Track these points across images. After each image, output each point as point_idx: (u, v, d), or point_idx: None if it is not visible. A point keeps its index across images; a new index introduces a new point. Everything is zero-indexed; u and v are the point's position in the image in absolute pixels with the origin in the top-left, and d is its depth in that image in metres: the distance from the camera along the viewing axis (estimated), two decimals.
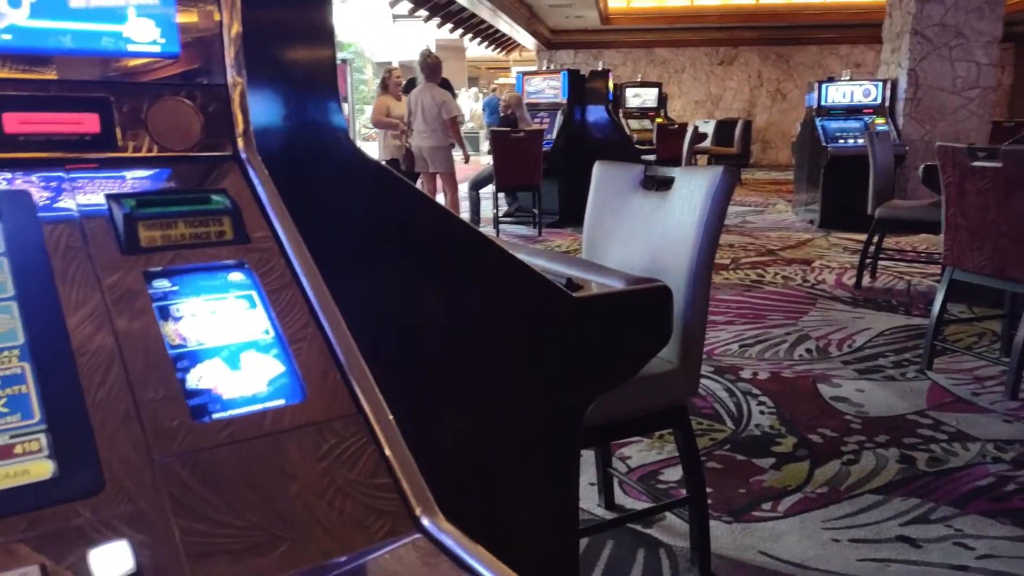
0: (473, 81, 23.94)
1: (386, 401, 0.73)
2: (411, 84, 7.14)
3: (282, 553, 0.59)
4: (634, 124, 10.85)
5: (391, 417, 0.71)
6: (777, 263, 5.94)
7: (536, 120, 8.01)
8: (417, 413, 0.77)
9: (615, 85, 9.26)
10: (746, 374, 3.40)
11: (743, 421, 2.89)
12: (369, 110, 8.18)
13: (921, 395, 3.16)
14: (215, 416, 0.65)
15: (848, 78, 7.70)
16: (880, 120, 7.36)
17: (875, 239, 5.15)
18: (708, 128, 12.54)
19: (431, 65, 6.48)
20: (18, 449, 0.57)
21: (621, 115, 9.98)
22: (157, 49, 0.81)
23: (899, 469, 2.49)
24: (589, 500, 2.27)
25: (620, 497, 2.31)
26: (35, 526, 0.54)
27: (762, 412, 2.97)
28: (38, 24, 0.75)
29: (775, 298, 4.81)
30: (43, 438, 0.59)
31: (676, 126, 10.21)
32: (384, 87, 6.87)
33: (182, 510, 0.58)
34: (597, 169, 2.03)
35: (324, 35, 1.00)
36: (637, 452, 2.60)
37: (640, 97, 11.97)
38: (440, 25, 13.39)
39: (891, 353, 3.70)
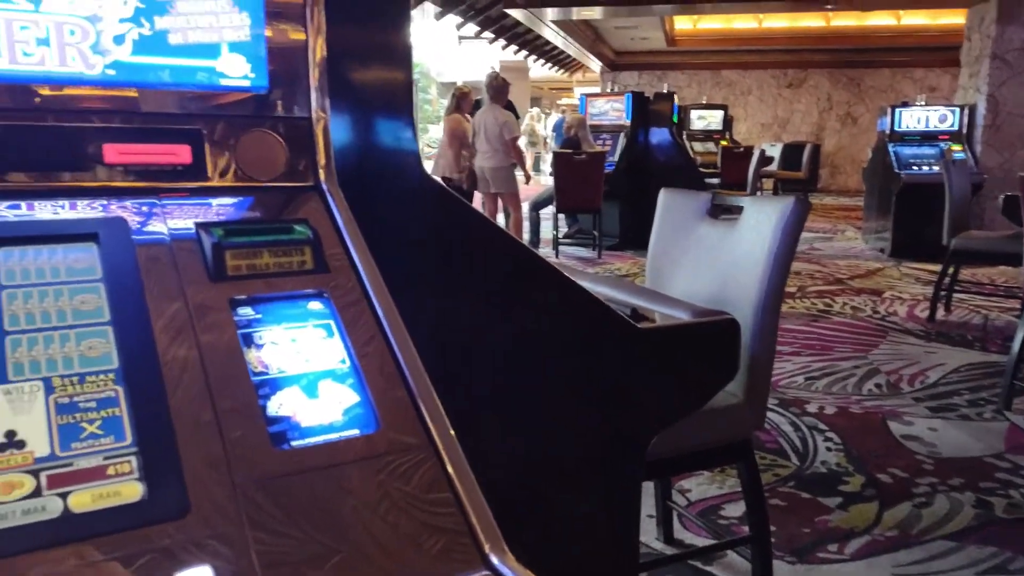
0: (536, 101, 24.11)
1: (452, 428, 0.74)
2: (477, 105, 7.23)
3: None
4: (698, 147, 10.74)
5: (461, 451, 0.72)
6: (846, 293, 5.78)
7: (599, 142, 8.00)
8: (478, 439, 0.77)
9: (679, 107, 9.18)
10: (812, 408, 3.31)
11: (809, 457, 2.81)
12: (433, 129, 8.27)
13: (999, 436, 3.02)
14: (294, 444, 0.67)
15: (923, 103, 7.48)
16: (957, 147, 7.11)
17: (950, 270, 4.96)
18: (775, 152, 12.33)
19: (497, 87, 6.54)
20: (111, 471, 0.60)
21: (685, 137, 9.90)
22: (247, 83, 0.85)
23: (974, 514, 2.38)
24: (647, 533, 2.23)
25: (679, 531, 2.26)
26: (124, 547, 0.56)
27: (829, 448, 2.88)
28: (139, 60, 0.79)
29: (843, 329, 4.67)
30: (134, 460, 0.61)
31: (742, 149, 10.07)
32: (457, 106, 6.93)
33: (262, 535, 0.59)
34: (663, 196, 2.02)
35: (402, 58, 1.02)
36: (697, 486, 2.55)
37: (705, 119, 11.85)
38: (505, 47, 13.56)
39: (966, 391, 3.55)
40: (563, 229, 7.84)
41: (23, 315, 0.67)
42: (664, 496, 2.21)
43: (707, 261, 1.82)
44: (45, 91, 0.77)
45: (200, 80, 0.83)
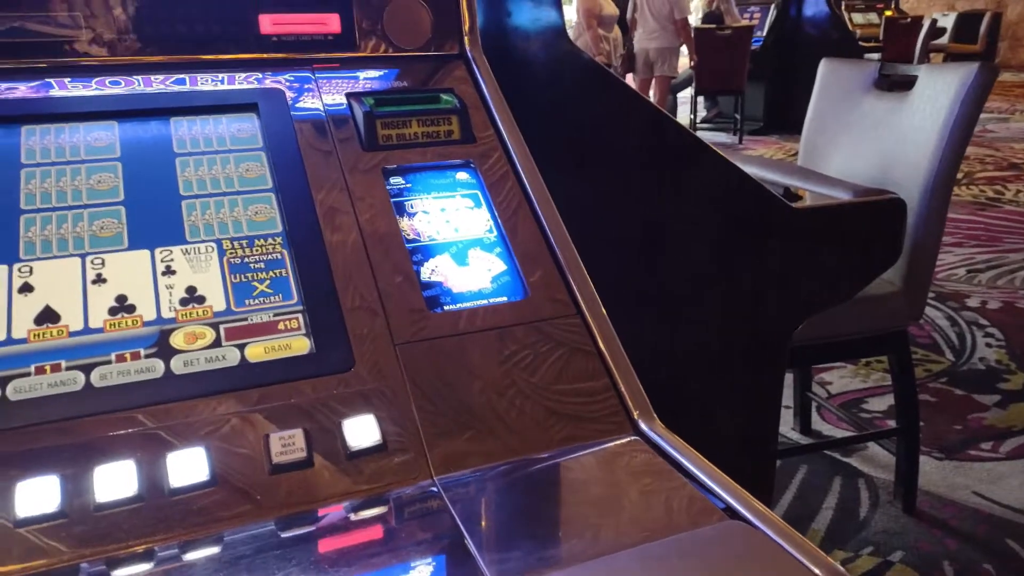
0: None
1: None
2: None
3: (509, 439, 0.62)
4: (858, 18, 9.70)
5: (609, 321, 0.71)
6: (1021, 179, 5.21)
7: (745, 15, 7.42)
8: (625, 315, 0.76)
9: None
10: (973, 302, 3.07)
11: (965, 353, 2.63)
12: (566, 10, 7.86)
13: None
14: (446, 308, 0.68)
15: None
16: None
17: None
18: (947, 22, 10.98)
19: None
20: (281, 326, 0.64)
21: (843, 8, 8.97)
22: None
23: None
24: (783, 424, 2.19)
25: (817, 423, 2.21)
26: (297, 395, 0.60)
27: (989, 345, 2.69)
28: None
29: (1015, 219, 4.24)
30: (301, 318, 0.65)
31: (909, 20, 9.04)
32: None
33: (419, 392, 0.62)
34: (823, 67, 1.85)
35: None
36: (839, 378, 2.46)
37: None
38: None
39: None
40: (701, 113, 7.46)
41: (195, 181, 0.71)
42: (803, 387, 2.15)
43: (870, 138, 1.68)
44: None
45: None
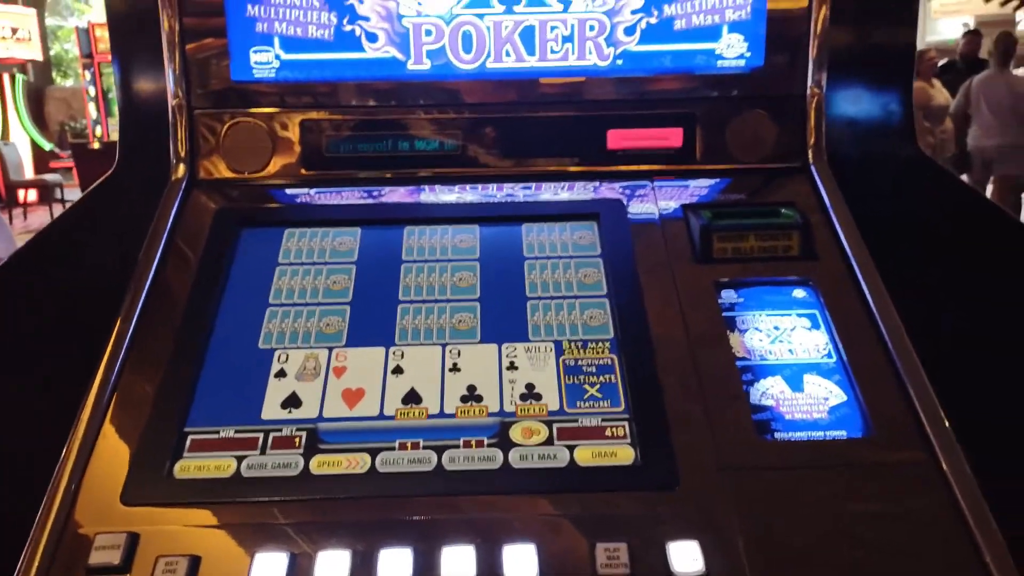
0: (1021, 60, 19.85)
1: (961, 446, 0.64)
2: (945, 68, 6.23)
3: None
4: None
5: (969, 470, 0.62)
6: None
7: None
8: (986, 455, 0.65)
9: None
10: None
11: None
12: None
13: None
14: (777, 436, 0.65)
15: None
16: None
17: None
18: None
19: (1006, 47, 5.44)
20: (608, 432, 0.65)
21: None
22: (742, 63, 0.84)
23: None
24: None
25: None
26: (620, 505, 0.60)
27: None
28: (646, 48, 0.84)
29: None
30: (627, 426, 0.65)
31: None
32: (916, 72, 6.05)
33: (746, 522, 0.59)
34: None
35: (907, 20, 0.90)
36: None
37: None
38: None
39: None
40: None
41: (539, 283, 0.77)
42: None
43: None
44: (564, 83, 0.86)
45: (698, 63, 0.84)
